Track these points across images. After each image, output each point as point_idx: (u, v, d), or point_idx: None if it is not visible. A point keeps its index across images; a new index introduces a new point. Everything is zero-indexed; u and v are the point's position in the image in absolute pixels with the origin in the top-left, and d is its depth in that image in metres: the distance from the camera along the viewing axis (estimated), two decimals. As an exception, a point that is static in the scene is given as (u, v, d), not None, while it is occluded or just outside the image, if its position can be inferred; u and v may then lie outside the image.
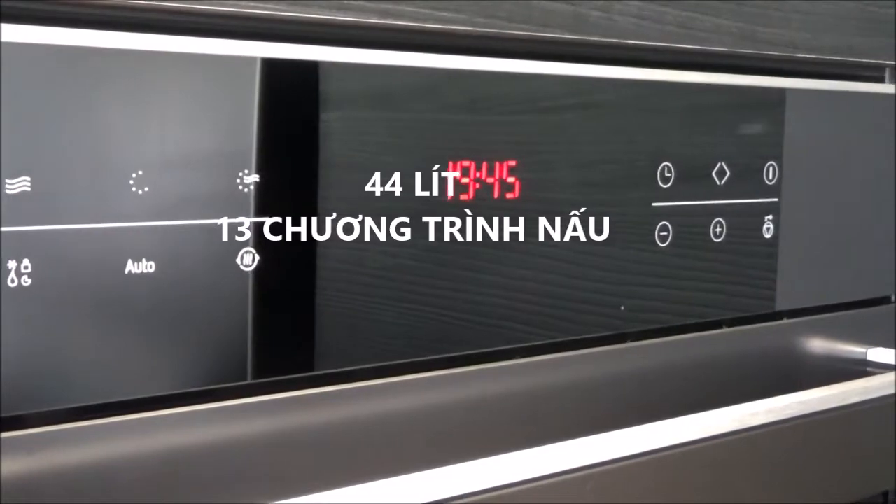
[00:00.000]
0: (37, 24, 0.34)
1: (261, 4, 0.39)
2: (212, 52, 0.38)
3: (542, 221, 0.48)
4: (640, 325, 0.53)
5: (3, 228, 0.34)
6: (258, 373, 0.40)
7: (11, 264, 0.34)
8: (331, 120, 0.41)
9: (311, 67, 0.40)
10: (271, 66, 0.39)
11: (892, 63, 0.65)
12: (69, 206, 0.35)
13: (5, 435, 0.35)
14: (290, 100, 0.40)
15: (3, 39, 0.33)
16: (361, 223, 0.42)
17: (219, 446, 0.39)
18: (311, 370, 0.42)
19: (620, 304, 0.51)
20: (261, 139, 0.39)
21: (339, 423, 0.42)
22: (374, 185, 0.42)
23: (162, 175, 0.37)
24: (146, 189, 0.36)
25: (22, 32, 0.34)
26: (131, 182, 0.36)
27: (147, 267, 0.37)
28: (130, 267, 0.36)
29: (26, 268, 0.34)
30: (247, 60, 0.39)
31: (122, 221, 0.36)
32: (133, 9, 0.37)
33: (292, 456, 0.41)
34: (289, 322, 0.41)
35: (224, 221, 0.38)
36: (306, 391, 0.41)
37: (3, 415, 0.34)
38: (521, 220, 0.47)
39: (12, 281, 0.34)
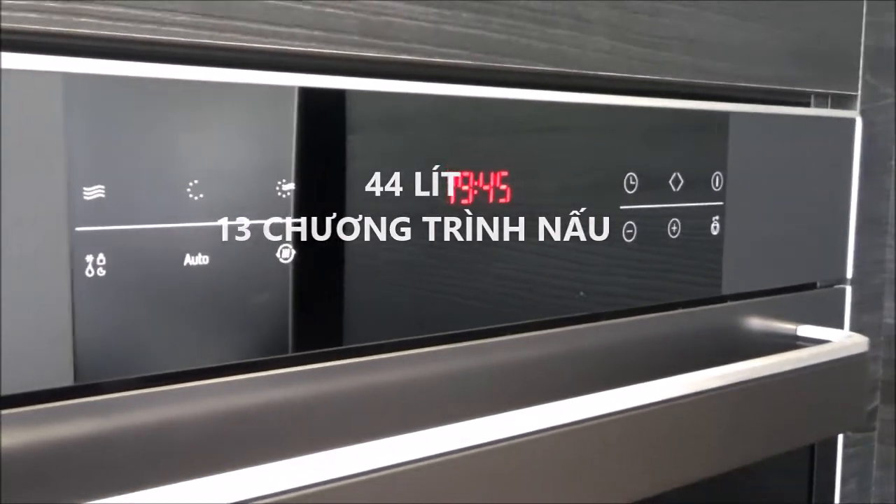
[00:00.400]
0: (109, 58, 0.34)
1: (297, 43, 0.39)
2: (256, 82, 0.38)
3: (529, 221, 0.47)
4: (610, 307, 0.52)
5: (82, 228, 0.33)
6: (297, 347, 0.40)
7: (89, 258, 0.34)
8: (354, 138, 0.41)
9: (339, 95, 0.40)
10: (306, 94, 0.39)
11: (815, 90, 0.65)
12: (137, 209, 0.35)
13: (83, 400, 0.34)
14: (321, 122, 0.40)
15: (81, 71, 0.33)
16: (379, 222, 0.42)
17: (264, 409, 0.39)
18: (340, 344, 0.41)
19: (586, 290, 0.51)
20: (297, 154, 0.39)
21: (363, 389, 0.42)
22: (389, 190, 0.42)
23: (214, 183, 0.37)
24: (201, 195, 0.36)
25: (96, 66, 0.33)
26: (188, 189, 0.36)
27: (202, 260, 0.37)
28: (188, 260, 0.36)
29: (101, 261, 0.34)
30: (286, 89, 0.38)
31: (180, 222, 0.36)
32: (195, 46, 0.37)
33: (325, 416, 0.41)
34: (320, 305, 0.41)
35: (266, 222, 0.38)
36: (336, 362, 0.41)
37: (76, 384, 0.34)
38: (514, 220, 0.47)
39: (89, 272, 0.34)
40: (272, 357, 0.39)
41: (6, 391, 0.32)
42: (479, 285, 0.46)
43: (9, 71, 0.31)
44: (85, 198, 0.33)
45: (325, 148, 0.40)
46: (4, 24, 0.32)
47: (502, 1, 0.46)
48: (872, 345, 0.69)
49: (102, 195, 0.34)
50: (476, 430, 0.41)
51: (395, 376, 0.43)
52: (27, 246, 0.32)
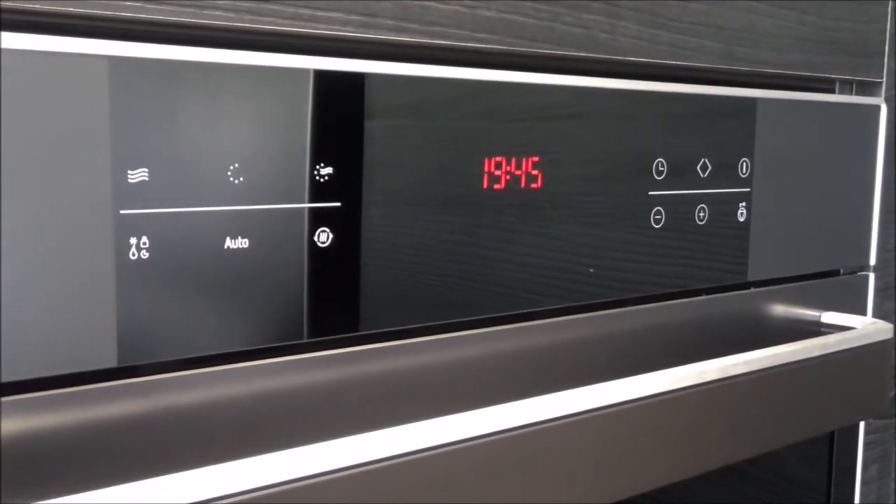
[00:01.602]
0: (148, 41, 0.34)
1: (335, 27, 0.39)
2: (295, 66, 0.38)
3: (560, 207, 0.48)
4: (637, 292, 0.53)
5: (126, 211, 0.34)
6: (334, 330, 0.40)
7: (133, 241, 0.34)
8: (389, 123, 0.41)
9: (377, 79, 0.40)
10: (344, 78, 0.39)
11: (841, 77, 0.65)
12: (179, 192, 0.35)
13: (125, 381, 0.35)
14: (356, 106, 0.40)
15: (126, 55, 0.33)
16: (416, 205, 0.42)
17: (304, 390, 0.39)
18: (379, 328, 0.42)
19: (623, 276, 0.51)
20: (337, 140, 0.39)
21: (380, 374, 0.42)
22: (424, 175, 0.42)
23: (254, 167, 0.37)
24: (241, 179, 0.36)
25: (140, 49, 0.34)
26: (229, 173, 0.36)
27: (242, 243, 0.37)
28: (229, 243, 0.36)
29: (144, 243, 0.34)
30: (324, 73, 0.38)
31: (221, 205, 0.36)
32: (235, 30, 0.37)
33: (343, 400, 0.41)
34: (361, 287, 0.41)
35: (305, 206, 0.38)
36: (379, 344, 0.42)
37: (119, 365, 0.34)
38: (545, 206, 0.47)
39: (133, 254, 0.34)
40: (314, 339, 0.39)
41: (54, 372, 0.33)
42: (507, 271, 0.46)
43: (55, 54, 0.32)
44: (129, 181, 0.33)
45: (365, 133, 0.40)
46: (51, 7, 0.32)
47: (535, -14, 0.46)
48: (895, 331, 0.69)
49: (146, 178, 0.34)
50: (494, 417, 0.41)
51: (409, 362, 0.43)
52: (73, 228, 0.32)
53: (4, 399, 0.32)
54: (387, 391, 0.42)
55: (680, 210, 0.53)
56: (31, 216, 0.32)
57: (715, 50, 0.55)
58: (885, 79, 0.67)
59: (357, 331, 0.41)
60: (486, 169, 0.44)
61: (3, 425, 0.32)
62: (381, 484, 0.37)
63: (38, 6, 0.32)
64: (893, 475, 0.75)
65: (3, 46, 0.31)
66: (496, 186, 0.45)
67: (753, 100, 0.57)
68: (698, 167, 0.54)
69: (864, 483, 0.71)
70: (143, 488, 0.31)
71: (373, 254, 0.41)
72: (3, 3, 0.31)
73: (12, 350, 0.32)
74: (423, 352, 0.43)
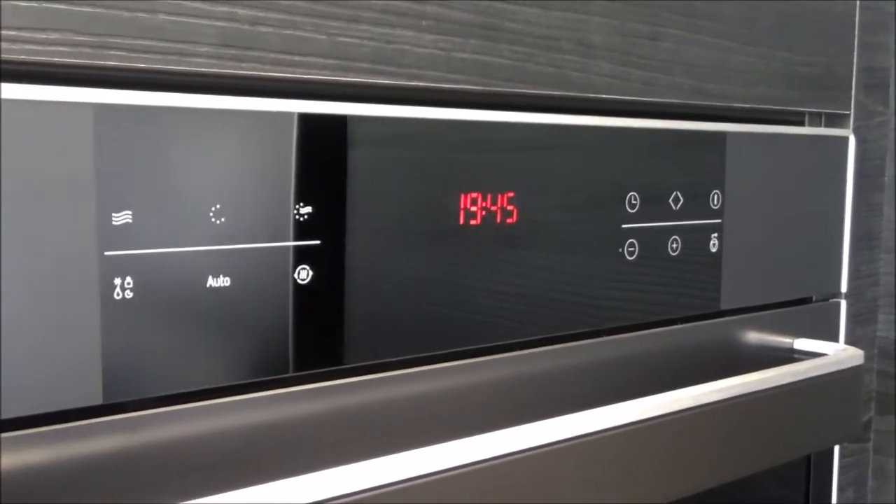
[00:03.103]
0: (130, 88, 0.35)
1: (314, 71, 0.40)
2: (274, 110, 0.38)
3: (534, 240, 0.48)
4: (613, 323, 0.53)
5: (111, 252, 0.34)
6: (315, 364, 0.41)
7: (117, 281, 0.34)
8: (368, 162, 0.41)
9: (354, 121, 0.41)
10: (323, 120, 0.40)
11: (809, 110, 0.66)
12: (162, 233, 0.35)
13: (111, 418, 0.35)
14: (336, 147, 0.40)
15: (110, 102, 0.34)
16: (393, 241, 0.42)
17: (286, 424, 0.40)
18: (356, 361, 0.42)
19: (590, 306, 0.52)
20: (313, 179, 0.39)
21: (383, 403, 0.43)
22: (402, 211, 0.43)
23: (235, 208, 0.37)
24: (223, 219, 0.37)
25: (124, 96, 0.34)
26: (210, 214, 0.37)
27: (224, 282, 0.37)
28: (211, 282, 0.37)
29: (129, 284, 0.35)
30: (303, 116, 0.39)
31: (203, 245, 0.36)
32: (217, 76, 0.37)
33: (323, 436, 0.41)
34: (339, 323, 0.41)
35: (286, 244, 0.39)
36: (357, 378, 0.42)
37: (104, 402, 0.35)
38: (520, 239, 0.47)
39: (118, 294, 0.34)
40: (295, 374, 0.40)
41: (40, 410, 0.33)
42: (485, 303, 0.46)
43: (41, 102, 0.32)
44: (114, 223, 0.34)
45: (339, 172, 0.40)
46: (37, 57, 0.33)
47: (509, 28, 0.46)
48: (866, 357, 0.70)
49: (130, 220, 0.34)
50: (476, 446, 0.41)
51: (392, 393, 0.44)
52: (59, 269, 0.33)
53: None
54: (368, 422, 0.42)
55: (653, 242, 0.54)
56: (18, 258, 0.32)
57: (685, 86, 0.56)
58: (852, 111, 0.69)
59: (339, 364, 0.41)
60: (462, 205, 0.45)
61: (-8, 462, 0.33)
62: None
63: (26, 57, 0.33)
64: (868, 498, 0.75)
65: (3, 97, 0.31)
66: (472, 222, 0.45)
67: (723, 133, 0.57)
68: (670, 200, 0.54)
69: (840, 506, 0.72)
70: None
71: (353, 290, 0.41)
72: (-9, 54, 0.32)
73: (7, 391, 0.32)
74: (402, 384, 0.43)
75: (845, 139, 0.67)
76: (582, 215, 0.50)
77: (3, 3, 0.32)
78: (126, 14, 0.35)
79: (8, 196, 0.32)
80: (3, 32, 0.32)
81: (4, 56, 0.32)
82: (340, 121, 0.40)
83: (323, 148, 0.40)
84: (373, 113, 0.41)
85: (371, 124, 0.41)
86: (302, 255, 0.39)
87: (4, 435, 0.33)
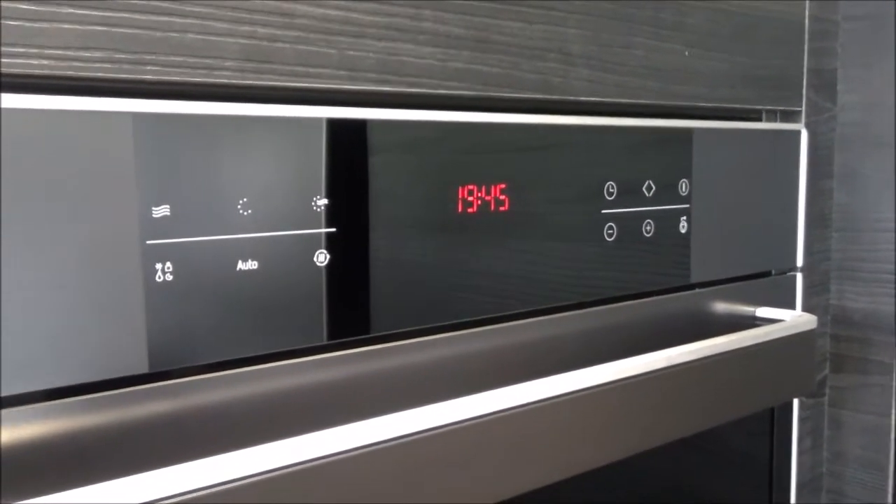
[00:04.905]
0: (164, 98, 0.35)
1: (325, 81, 0.40)
2: (292, 115, 0.38)
3: (525, 226, 0.48)
4: (595, 296, 0.53)
5: (152, 241, 0.34)
6: (332, 336, 0.40)
7: (158, 266, 0.34)
8: (375, 160, 0.41)
9: (361, 124, 0.41)
10: (334, 124, 0.40)
11: (766, 107, 0.65)
12: (196, 224, 0.35)
13: (156, 385, 0.35)
14: (347, 146, 0.40)
15: (147, 111, 0.34)
16: (399, 229, 0.42)
17: (306, 389, 0.40)
18: (368, 333, 0.42)
19: (575, 283, 0.51)
20: (327, 174, 0.39)
21: (388, 370, 0.43)
22: (406, 202, 0.42)
23: (260, 201, 0.37)
24: (249, 211, 0.37)
25: (159, 106, 0.34)
26: (238, 206, 0.36)
27: (252, 265, 0.37)
28: (240, 265, 0.37)
29: (168, 268, 0.35)
30: (316, 120, 0.39)
31: (233, 234, 0.36)
32: (240, 87, 0.37)
33: (355, 393, 0.41)
34: (350, 300, 0.41)
35: (305, 232, 0.39)
36: (366, 347, 0.42)
37: (150, 371, 0.35)
38: (512, 225, 0.47)
39: (159, 277, 0.34)
40: (310, 345, 0.40)
41: (95, 378, 0.33)
42: (481, 280, 0.46)
43: (88, 112, 0.32)
44: (154, 216, 0.34)
45: (351, 168, 0.40)
46: (84, 73, 0.33)
47: (497, 40, 0.46)
48: (820, 323, 0.70)
49: (168, 213, 0.34)
50: (486, 402, 0.42)
51: (409, 359, 0.44)
52: (107, 257, 0.33)
53: (58, 402, 0.33)
54: (369, 388, 0.42)
55: (629, 225, 0.53)
56: (73, 248, 0.32)
57: (655, 88, 0.55)
58: (804, 108, 0.68)
59: (350, 336, 0.41)
60: (460, 196, 0.45)
61: (55, 424, 0.33)
62: (390, 460, 0.38)
63: (73, 73, 0.33)
64: (825, 446, 0.75)
65: (47, 107, 0.31)
66: (469, 210, 0.45)
67: (690, 129, 0.57)
68: (644, 188, 0.54)
69: (800, 453, 0.72)
70: (181, 471, 0.32)
71: (365, 270, 0.41)
72: (44, 71, 0.32)
73: (61, 361, 0.32)
74: (408, 352, 0.43)
75: (798, 133, 0.66)
76: (566, 202, 0.50)
77: (50, 26, 0.32)
78: (159, 34, 0.34)
79: (63, 194, 0.32)
80: (53, 51, 0.32)
81: (55, 72, 0.32)
82: (352, 124, 0.40)
83: (336, 148, 0.40)
84: (378, 117, 0.41)
85: (377, 127, 0.41)
86: (319, 242, 0.39)
87: (66, 400, 0.33)
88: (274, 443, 0.34)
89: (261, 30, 0.37)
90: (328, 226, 0.39)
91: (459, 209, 0.45)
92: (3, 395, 0.31)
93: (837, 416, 0.74)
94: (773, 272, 0.66)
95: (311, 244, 0.39)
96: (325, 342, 0.40)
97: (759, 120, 0.66)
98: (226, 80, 0.37)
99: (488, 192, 0.46)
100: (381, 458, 0.37)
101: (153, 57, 0.34)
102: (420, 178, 0.43)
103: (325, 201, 0.39)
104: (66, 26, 0.32)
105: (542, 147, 0.48)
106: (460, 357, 0.46)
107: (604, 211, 0.52)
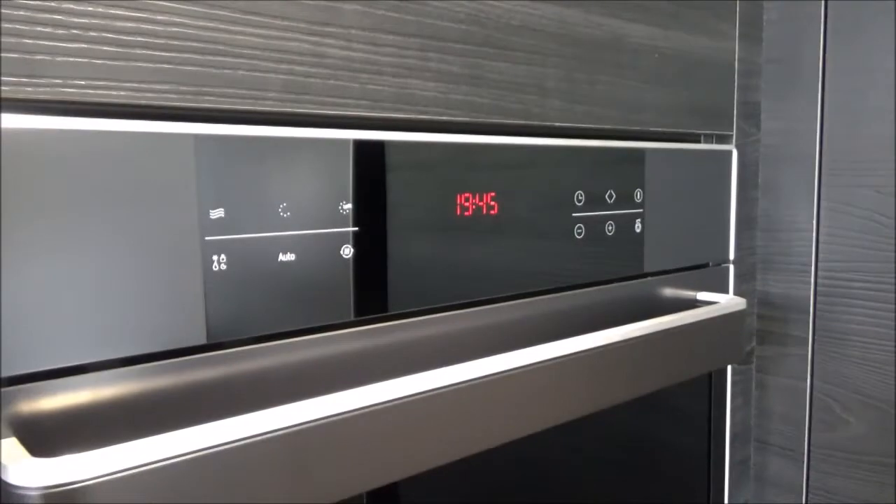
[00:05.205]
0: (220, 122, 0.34)
1: (350, 108, 0.39)
2: (324, 137, 0.38)
3: (510, 226, 0.47)
4: (567, 282, 0.52)
5: (210, 238, 0.34)
6: (357, 314, 0.40)
7: (214, 258, 0.34)
8: (391, 173, 0.41)
9: (380, 144, 0.40)
10: (357, 144, 0.39)
11: (703, 132, 0.65)
12: (246, 223, 0.35)
13: (213, 353, 0.35)
14: (368, 161, 0.40)
15: (206, 132, 0.33)
16: (410, 228, 0.42)
17: (336, 357, 0.39)
18: (386, 311, 0.42)
19: (552, 273, 0.51)
20: (353, 184, 0.39)
21: (402, 342, 0.42)
22: (415, 206, 0.42)
23: (297, 205, 0.37)
24: (289, 213, 0.36)
25: (216, 128, 0.34)
26: (280, 209, 0.36)
27: (290, 257, 0.37)
28: (281, 257, 0.36)
29: (223, 259, 0.34)
30: (344, 141, 0.39)
31: (275, 232, 0.36)
32: (280, 113, 0.37)
33: (379, 362, 0.41)
34: (370, 284, 0.41)
35: (333, 231, 0.38)
36: (384, 324, 0.41)
37: (207, 342, 0.34)
38: (500, 226, 0.47)
39: (215, 267, 0.34)
40: (339, 321, 0.39)
41: (166, 347, 0.33)
42: (474, 270, 0.46)
43: (157, 134, 0.32)
44: (211, 217, 0.34)
45: (371, 179, 0.40)
46: (155, 102, 0.33)
47: (488, 77, 0.46)
48: (749, 304, 0.69)
49: (223, 215, 0.34)
50: (479, 367, 0.41)
51: (426, 332, 0.43)
52: (174, 251, 0.33)
53: (133, 367, 0.32)
54: (387, 355, 0.42)
55: (595, 225, 0.53)
56: (147, 243, 0.32)
57: (615, 116, 0.55)
58: (734, 132, 0.67)
59: (372, 314, 0.41)
60: (458, 202, 0.44)
61: (130, 387, 0.32)
62: (404, 414, 0.37)
63: (146, 102, 0.32)
64: (752, 404, 0.74)
65: (127, 130, 0.31)
66: (466, 213, 0.45)
67: (643, 149, 0.57)
68: (606, 196, 0.54)
69: (732, 410, 0.71)
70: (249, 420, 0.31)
71: (382, 262, 0.41)
72: (122, 101, 0.32)
73: (136, 334, 0.32)
74: (414, 328, 0.43)
75: (730, 152, 0.66)
76: (543, 208, 0.49)
77: (127, 64, 0.32)
78: (215, 70, 0.34)
79: (138, 201, 0.31)
80: (130, 84, 0.32)
81: (134, 101, 0.32)
82: (373, 144, 0.40)
83: (359, 163, 0.39)
84: (393, 138, 0.41)
85: (393, 146, 0.41)
86: (345, 238, 0.39)
87: (142, 366, 0.32)
88: (309, 400, 0.34)
89: (297, 68, 0.37)
90: (353, 225, 0.39)
91: (458, 212, 0.44)
92: (89, 361, 0.31)
93: (763, 380, 0.74)
94: (710, 264, 0.66)
95: (338, 240, 0.39)
96: (351, 318, 0.40)
97: (699, 142, 0.66)
98: (269, 108, 0.36)
99: (481, 199, 0.45)
100: (395, 412, 0.37)
101: (210, 89, 0.34)
102: (426, 187, 0.43)
103: (350, 205, 0.39)
104: (140, 64, 0.32)
105: (524, 163, 0.48)
106: (460, 331, 0.45)
107: (574, 214, 0.51)
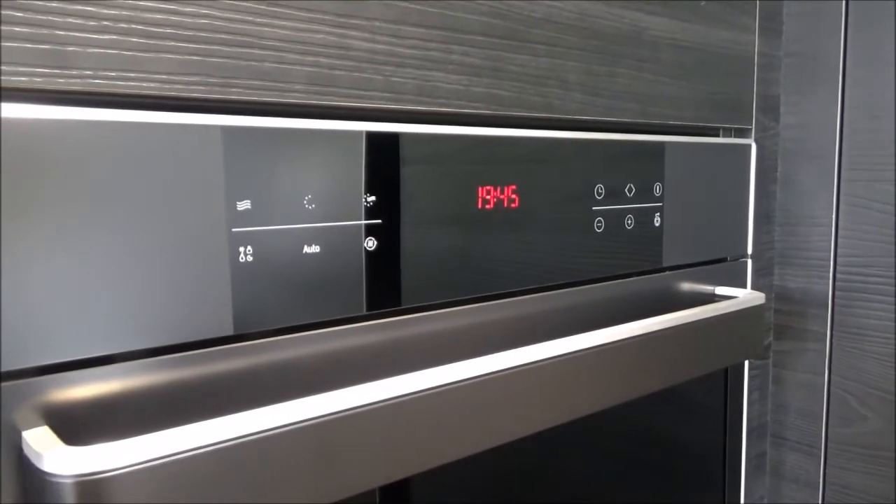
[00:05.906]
0: (247, 114, 0.34)
1: (374, 101, 0.39)
2: (348, 129, 0.38)
3: (531, 219, 0.47)
4: (587, 276, 0.52)
5: (237, 229, 0.34)
6: (373, 307, 0.40)
7: (241, 249, 0.34)
8: (412, 165, 0.41)
9: (400, 136, 0.40)
10: (379, 136, 0.39)
11: (723, 125, 0.65)
12: (271, 215, 0.35)
13: (239, 344, 0.35)
14: (390, 154, 0.40)
15: (233, 124, 0.33)
16: (432, 220, 0.42)
17: (361, 348, 0.39)
18: (400, 304, 0.42)
19: (576, 265, 0.51)
20: (376, 177, 0.39)
21: (418, 336, 0.42)
22: (437, 199, 0.42)
23: (321, 197, 0.37)
24: (313, 206, 0.37)
25: (243, 120, 0.34)
26: (305, 202, 0.36)
27: (315, 249, 0.37)
28: (306, 249, 0.37)
29: (249, 250, 0.34)
30: (366, 133, 0.39)
31: (300, 224, 0.36)
32: (305, 105, 0.37)
33: (406, 354, 0.41)
34: (392, 277, 0.41)
35: (358, 223, 0.38)
36: (408, 316, 0.41)
37: (234, 333, 0.34)
38: (521, 219, 0.46)
39: (242, 258, 0.34)
40: (362, 314, 0.39)
41: (193, 338, 0.33)
42: (496, 264, 0.46)
43: (186, 125, 0.32)
44: (238, 209, 0.34)
45: (395, 172, 0.40)
46: (183, 94, 0.33)
47: (510, 70, 0.46)
48: (767, 299, 0.69)
49: (249, 207, 0.34)
50: (497, 361, 0.41)
51: (435, 326, 0.43)
52: (201, 242, 0.33)
53: (162, 357, 0.33)
54: (404, 350, 0.42)
55: (614, 219, 0.53)
56: (175, 234, 0.32)
57: (635, 110, 0.55)
58: (753, 126, 0.67)
59: (394, 306, 0.41)
60: (479, 195, 0.44)
61: (158, 377, 0.33)
62: (419, 407, 0.38)
63: (175, 93, 0.33)
64: (769, 398, 0.74)
65: (156, 121, 0.31)
66: (487, 207, 0.45)
67: (663, 143, 0.56)
68: (626, 189, 0.54)
69: (749, 404, 0.71)
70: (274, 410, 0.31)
71: (405, 254, 0.41)
72: (152, 92, 0.32)
73: (164, 324, 0.32)
74: (438, 320, 0.43)
75: (749, 146, 0.65)
76: (564, 201, 0.49)
77: (157, 56, 0.32)
78: (243, 63, 0.34)
79: (167, 192, 0.32)
80: (159, 75, 0.32)
81: (163, 93, 0.32)
82: (394, 137, 0.40)
83: (382, 155, 0.39)
84: (416, 131, 0.41)
85: (415, 138, 0.41)
86: (369, 230, 0.39)
87: (170, 356, 0.33)
88: (338, 391, 0.34)
89: (323, 60, 0.37)
90: (376, 218, 0.39)
91: (479, 206, 0.44)
92: (119, 351, 0.31)
93: (780, 374, 0.74)
94: (728, 258, 0.65)
95: (362, 233, 0.39)
96: (376, 310, 0.40)
97: (718, 136, 0.66)
98: (295, 100, 0.36)
99: (502, 192, 0.45)
100: (420, 404, 0.37)
101: (238, 81, 0.34)
102: (449, 180, 0.43)
103: (373, 198, 0.39)
104: (169, 56, 0.32)
105: (545, 156, 0.48)
106: (478, 325, 0.45)
107: (594, 208, 0.51)
